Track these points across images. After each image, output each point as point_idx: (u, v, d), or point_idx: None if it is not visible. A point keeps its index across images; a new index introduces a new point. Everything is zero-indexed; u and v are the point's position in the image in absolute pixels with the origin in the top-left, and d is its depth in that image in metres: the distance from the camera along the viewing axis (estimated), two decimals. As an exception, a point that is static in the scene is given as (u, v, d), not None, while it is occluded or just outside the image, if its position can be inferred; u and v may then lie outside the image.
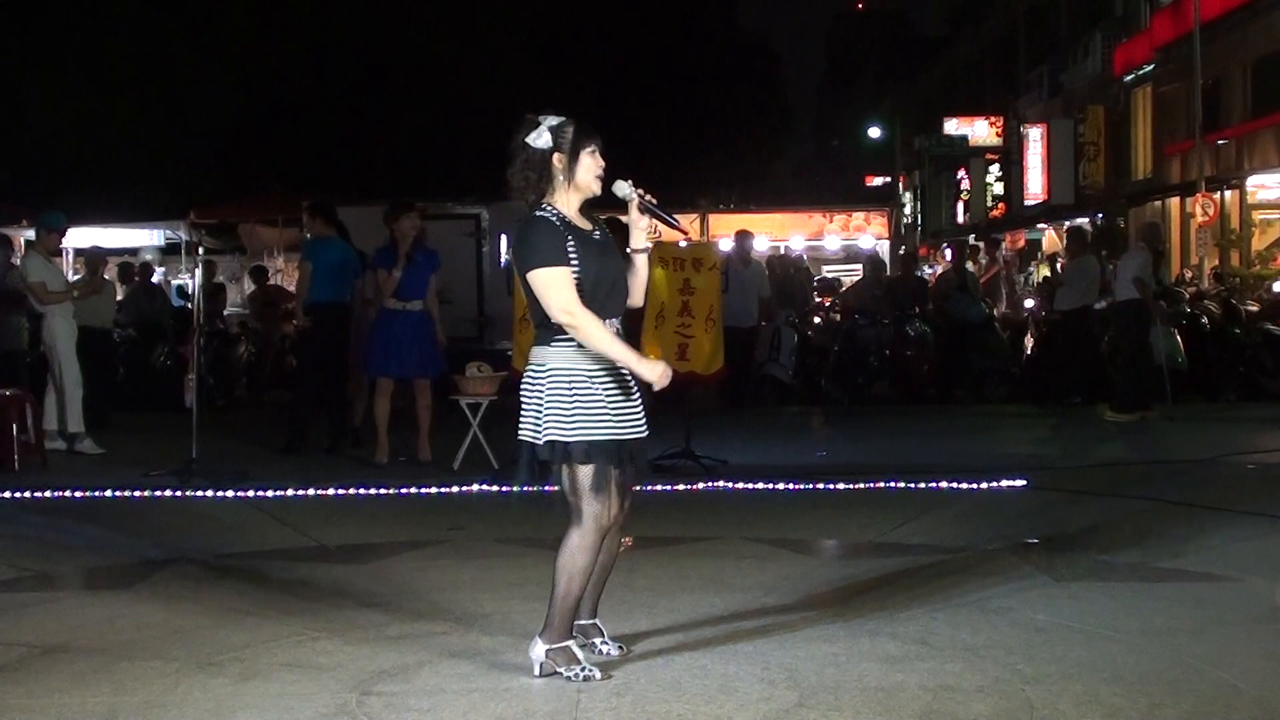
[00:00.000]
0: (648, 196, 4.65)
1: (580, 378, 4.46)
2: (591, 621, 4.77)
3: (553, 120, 4.59)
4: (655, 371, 4.45)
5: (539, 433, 4.48)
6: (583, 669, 4.45)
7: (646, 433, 4.61)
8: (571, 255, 4.46)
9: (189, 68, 26.21)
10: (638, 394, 4.60)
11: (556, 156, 4.56)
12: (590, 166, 4.59)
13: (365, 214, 13.85)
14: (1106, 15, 32.15)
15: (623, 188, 4.65)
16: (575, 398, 4.45)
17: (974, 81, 45.19)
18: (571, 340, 4.46)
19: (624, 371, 4.53)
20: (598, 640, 4.74)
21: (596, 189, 4.61)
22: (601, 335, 4.42)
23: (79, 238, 20.22)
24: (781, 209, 28.38)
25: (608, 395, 4.48)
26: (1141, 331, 12.65)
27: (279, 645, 5.01)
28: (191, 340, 10.76)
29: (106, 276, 13.38)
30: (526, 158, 4.56)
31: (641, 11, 33.62)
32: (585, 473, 4.44)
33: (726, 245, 19.80)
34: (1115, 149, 31.42)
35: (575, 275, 4.45)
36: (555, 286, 4.43)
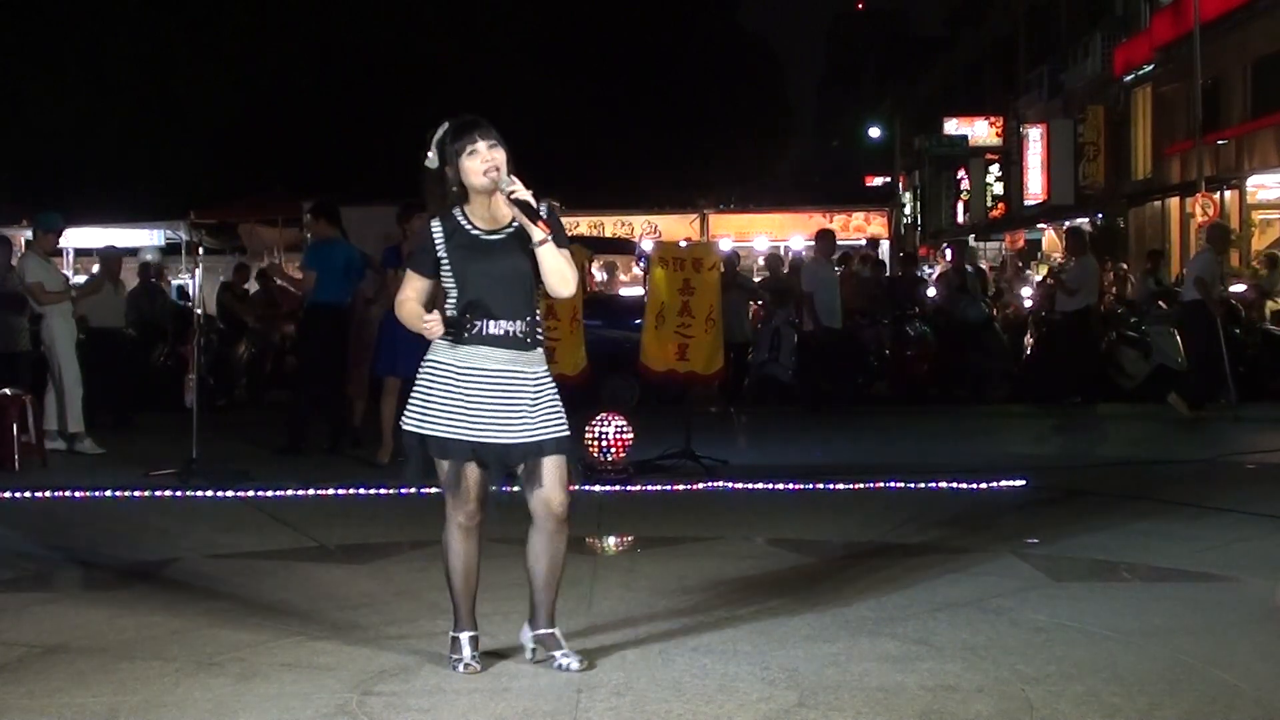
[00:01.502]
0: (514, 192, 4.46)
1: (450, 374, 4.53)
2: (549, 631, 4.62)
3: (438, 133, 4.62)
4: (429, 323, 4.51)
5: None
6: (458, 660, 4.59)
7: (514, 440, 4.48)
8: (442, 262, 4.55)
9: (189, 68, 26.23)
10: (519, 401, 4.50)
11: (447, 170, 4.58)
12: (470, 169, 4.52)
13: (366, 214, 13.87)
14: (1106, 15, 32.15)
15: (501, 182, 4.49)
16: (436, 390, 4.54)
17: (974, 81, 45.19)
18: (450, 335, 4.54)
19: (505, 375, 4.50)
20: (556, 652, 4.59)
21: (485, 184, 4.51)
22: (406, 318, 4.60)
23: (78, 238, 20.22)
24: (781, 209, 28.41)
25: (468, 394, 4.50)
26: (1210, 331, 12.61)
27: (279, 645, 5.01)
28: (192, 340, 10.76)
29: (122, 276, 13.35)
30: (428, 179, 4.63)
31: (641, 11, 33.64)
32: (439, 466, 4.55)
33: (726, 245, 19.86)
34: (1115, 149, 31.42)
35: (447, 280, 4.55)
36: (403, 285, 4.65)
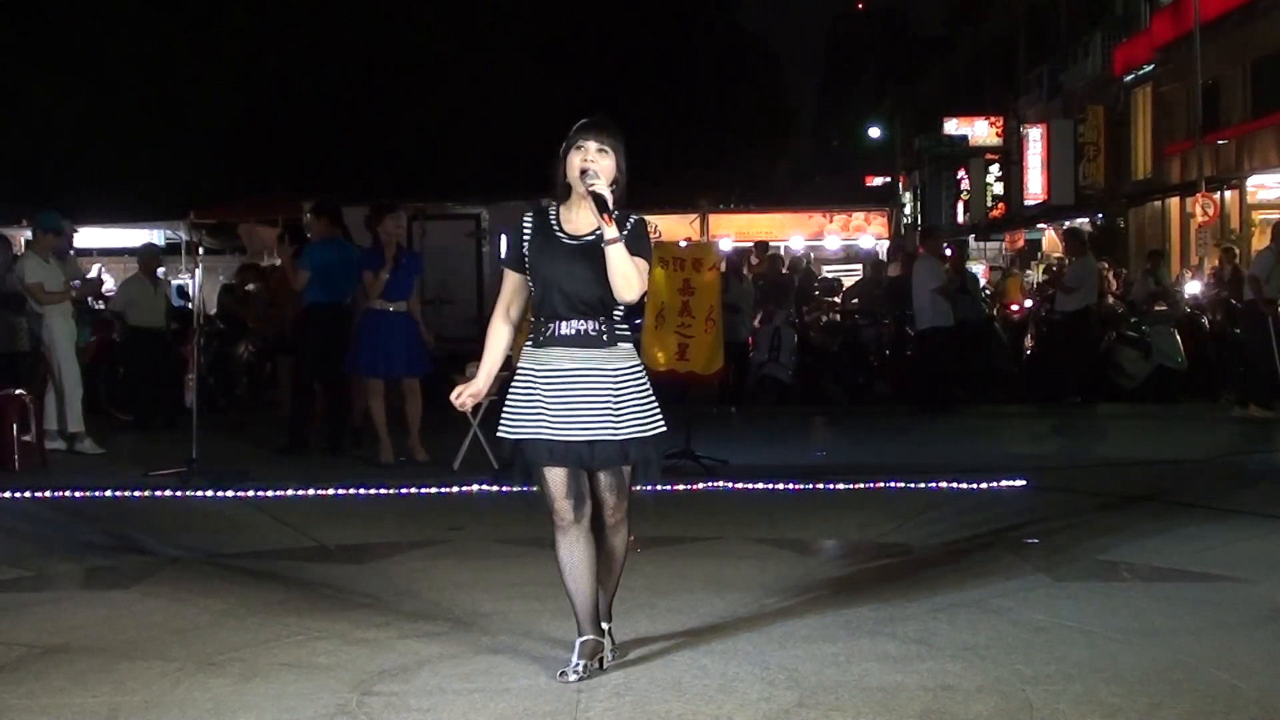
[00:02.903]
0: (594, 185, 4.48)
1: (530, 377, 4.57)
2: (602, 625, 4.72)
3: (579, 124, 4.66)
4: (458, 393, 4.68)
5: None
6: (573, 667, 4.50)
7: (596, 438, 4.51)
8: (526, 258, 4.61)
9: (189, 68, 26.22)
10: (598, 398, 4.52)
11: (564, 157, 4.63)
12: (570, 163, 4.57)
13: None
14: (1106, 15, 32.16)
15: (587, 175, 4.51)
16: (519, 395, 4.58)
17: (974, 81, 45.18)
18: (530, 341, 4.60)
19: (580, 375, 4.52)
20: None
21: (580, 187, 4.56)
22: (487, 343, 4.70)
23: (78, 238, 20.12)
24: (781, 209, 28.39)
25: (546, 396, 4.53)
26: (1262, 329, 12.57)
27: (279, 645, 5.01)
28: (192, 340, 10.76)
29: (161, 275, 13.35)
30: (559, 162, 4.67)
31: (641, 11, 33.64)
32: (535, 470, 4.57)
33: (726, 245, 19.85)
34: (1115, 149, 31.42)
35: (529, 279, 4.61)
36: (502, 286, 4.73)
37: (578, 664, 4.50)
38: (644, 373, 4.66)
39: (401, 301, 9.91)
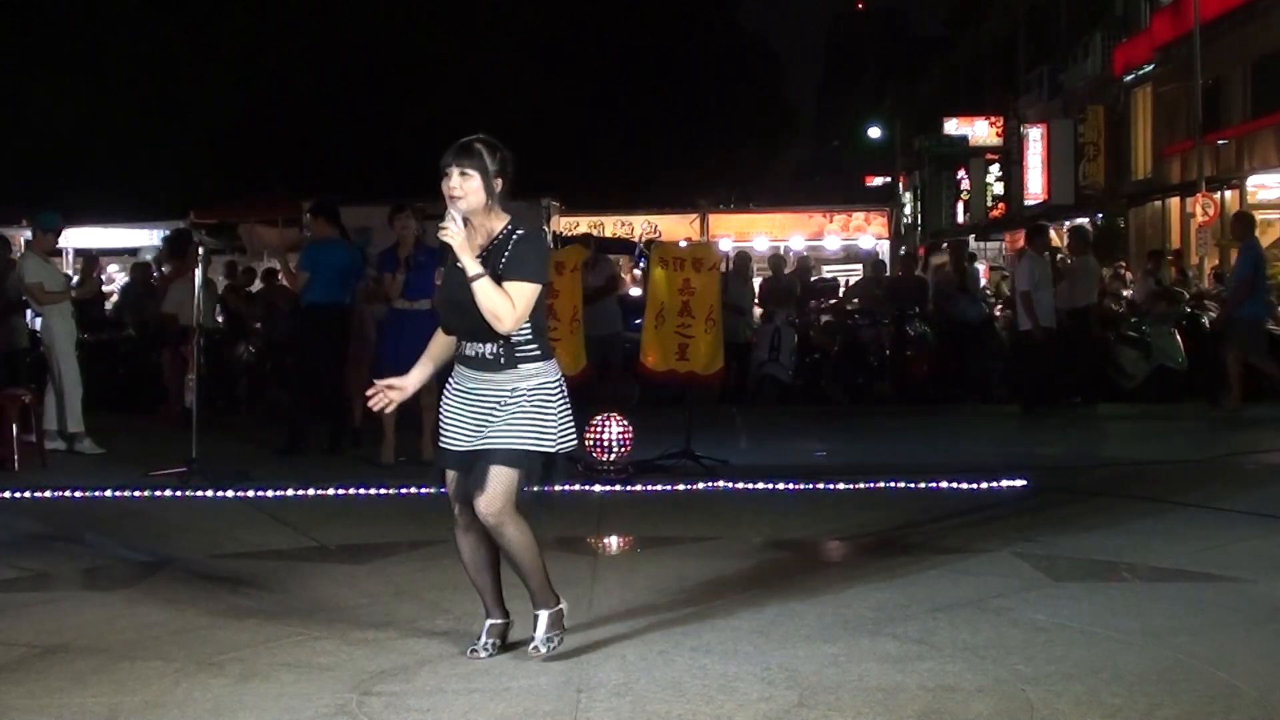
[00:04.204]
0: (441, 234, 4.57)
1: (447, 388, 4.77)
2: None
3: None
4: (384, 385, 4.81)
5: None
6: (482, 644, 4.79)
7: (465, 448, 4.64)
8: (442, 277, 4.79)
9: (189, 68, 26.24)
10: (494, 413, 4.61)
11: None
12: (445, 192, 4.63)
13: (366, 214, 13.86)
14: (1106, 15, 32.18)
15: (439, 229, 4.63)
16: (441, 404, 4.79)
17: (974, 81, 45.19)
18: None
19: (477, 394, 4.66)
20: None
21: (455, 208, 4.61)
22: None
23: (78, 238, 20.21)
24: (781, 209, 28.43)
25: (449, 407, 4.73)
26: None
27: (279, 645, 5.01)
28: (191, 340, 10.76)
29: (211, 275, 13.38)
30: None
31: (641, 11, 33.66)
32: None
33: (726, 245, 19.88)
34: (1115, 149, 31.43)
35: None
36: None
37: (486, 642, 4.77)
38: (552, 392, 4.65)
39: (423, 300, 9.77)
